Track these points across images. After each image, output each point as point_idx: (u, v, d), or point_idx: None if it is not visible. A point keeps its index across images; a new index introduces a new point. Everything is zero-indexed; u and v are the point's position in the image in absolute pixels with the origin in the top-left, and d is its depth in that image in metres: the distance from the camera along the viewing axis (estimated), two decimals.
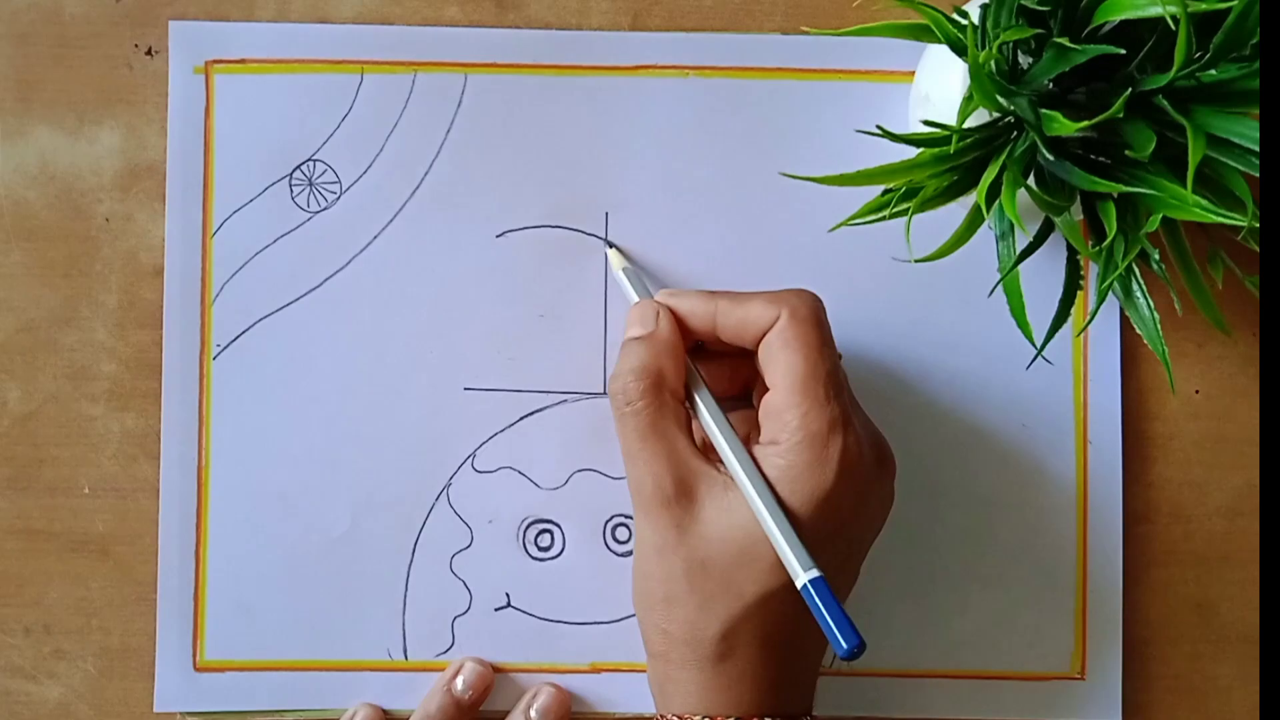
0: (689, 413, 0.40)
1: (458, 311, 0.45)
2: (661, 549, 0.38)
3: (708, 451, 0.39)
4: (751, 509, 0.37)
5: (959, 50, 0.36)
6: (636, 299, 0.42)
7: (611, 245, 0.45)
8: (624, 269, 0.44)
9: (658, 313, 0.40)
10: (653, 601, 0.39)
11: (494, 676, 0.45)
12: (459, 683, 0.44)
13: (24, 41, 0.45)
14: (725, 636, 0.38)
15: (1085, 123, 0.33)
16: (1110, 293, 0.37)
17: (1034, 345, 0.38)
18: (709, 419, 0.39)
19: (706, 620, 0.38)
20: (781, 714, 0.38)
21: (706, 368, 0.41)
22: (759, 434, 0.39)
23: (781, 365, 0.38)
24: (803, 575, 0.36)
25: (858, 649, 0.35)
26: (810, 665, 0.40)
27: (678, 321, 0.40)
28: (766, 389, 0.39)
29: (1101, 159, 0.36)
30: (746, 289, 0.44)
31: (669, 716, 0.38)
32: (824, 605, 0.36)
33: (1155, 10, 0.32)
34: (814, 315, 0.38)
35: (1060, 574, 0.45)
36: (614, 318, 0.45)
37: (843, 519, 0.38)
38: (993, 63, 0.35)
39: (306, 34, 0.45)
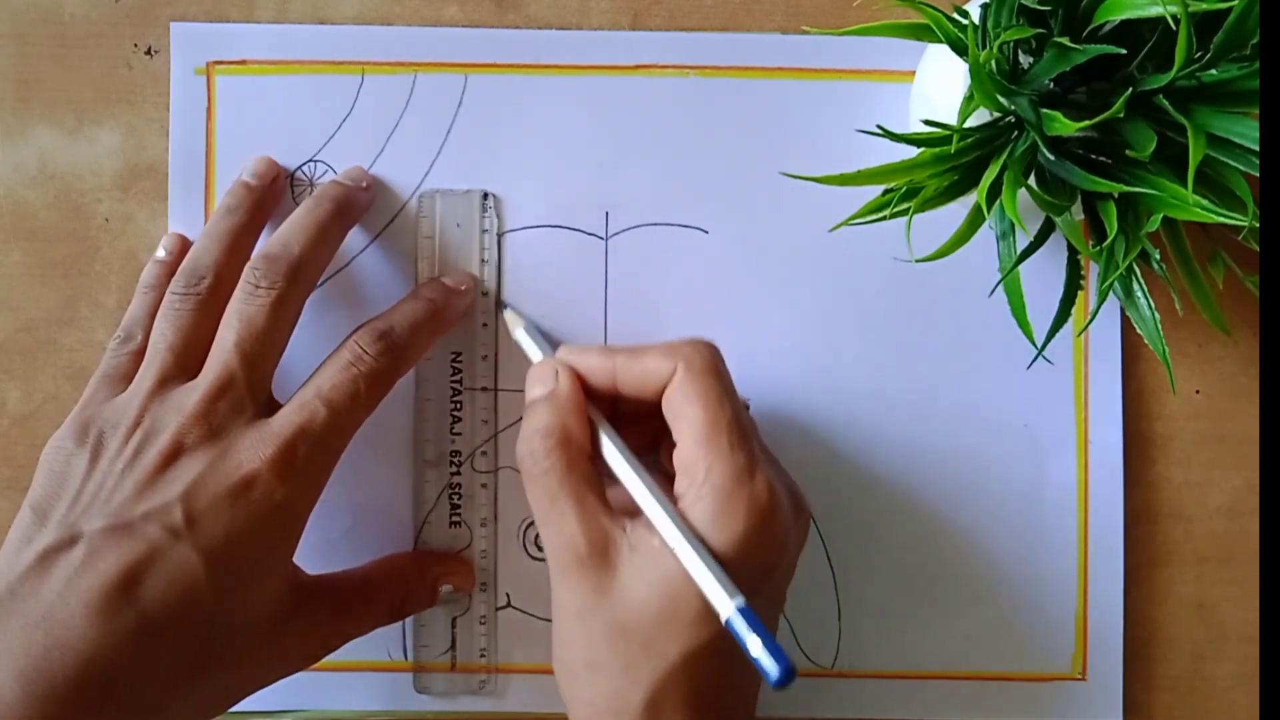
0: (598, 472, 0.38)
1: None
2: (581, 613, 0.37)
3: (620, 512, 0.38)
4: (671, 556, 0.35)
5: (960, 50, 0.36)
6: (537, 359, 0.42)
7: (506, 306, 0.44)
8: (523, 328, 0.43)
9: (556, 371, 0.39)
10: (575, 669, 0.37)
11: (279, 168, 0.44)
12: (245, 172, 0.44)
13: (24, 41, 0.45)
14: (652, 703, 0.36)
15: (1086, 122, 0.33)
16: (1111, 293, 0.37)
17: (1035, 345, 0.38)
18: (624, 466, 0.38)
19: (631, 687, 0.36)
20: None
21: (620, 429, 0.40)
22: (673, 487, 0.38)
23: (685, 418, 0.37)
24: (729, 604, 0.34)
25: (788, 673, 0.33)
26: None
27: (581, 381, 0.39)
28: (674, 444, 0.38)
29: (1102, 159, 0.36)
30: (748, 289, 0.45)
31: None
32: (751, 633, 0.34)
33: (1156, 10, 0.32)
34: (710, 365, 0.38)
35: (1061, 574, 0.45)
36: (614, 318, 0.45)
37: (764, 565, 0.37)
38: (993, 62, 0.35)
39: (307, 35, 0.45)
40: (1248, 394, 0.45)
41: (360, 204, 0.44)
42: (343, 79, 0.45)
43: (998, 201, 0.35)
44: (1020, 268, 0.37)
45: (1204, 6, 0.32)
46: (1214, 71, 0.33)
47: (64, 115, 0.45)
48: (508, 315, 0.44)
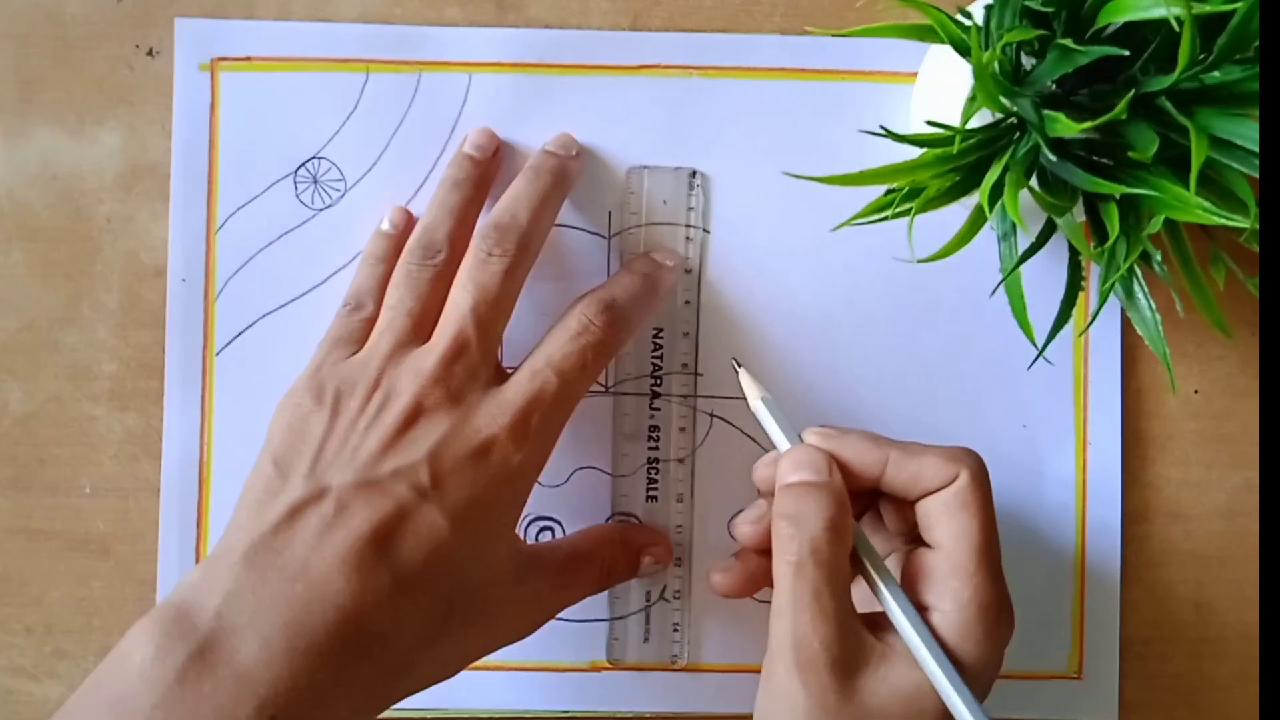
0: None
1: None
2: (817, 713, 0.36)
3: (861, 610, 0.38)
4: (917, 669, 0.35)
5: (962, 51, 0.36)
6: (783, 436, 0.40)
7: (740, 365, 0.43)
8: (763, 399, 0.41)
9: (830, 464, 0.38)
10: None
11: (499, 140, 0.45)
12: (468, 145, 0.44)
13: (25, 41, 0.45)
14: None
15: (1088, 124, 0.33)
16: (1111, 293, 0.37)
17: (1035, 346, 0.38)
18: (880, 579, 0.37)
19: None
20: None
21: None
22: (916, 592, 0.37)
23: (956, 528, 0.36)
24: None
25: None
26: None
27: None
28: (921, 544, 0.38)
29: (1104, 160, 0.36)
30: (747, 291, 0.45)
31: None
32: None
33: (1159, 12, 0.32)
34: (988, 480, 0.37)
35: (1059, 573, 0.45)
36: None
37: (990, 686, 0.37)
38: (996, 63, 0.35)
39: (313, 33, 0.45)
40: (1247, 394, 0.45)
41: (573, 173, 0.44)
42: (348, 77, 0.45)
43: (999, 202, 0.35)
44: (1021, 268, 0.37)
45: (1207, 8, 0.32)
46: (1217, 73, 0.33)
47: (66, 116, 0.45)
48: (743, 379, 0.42)
